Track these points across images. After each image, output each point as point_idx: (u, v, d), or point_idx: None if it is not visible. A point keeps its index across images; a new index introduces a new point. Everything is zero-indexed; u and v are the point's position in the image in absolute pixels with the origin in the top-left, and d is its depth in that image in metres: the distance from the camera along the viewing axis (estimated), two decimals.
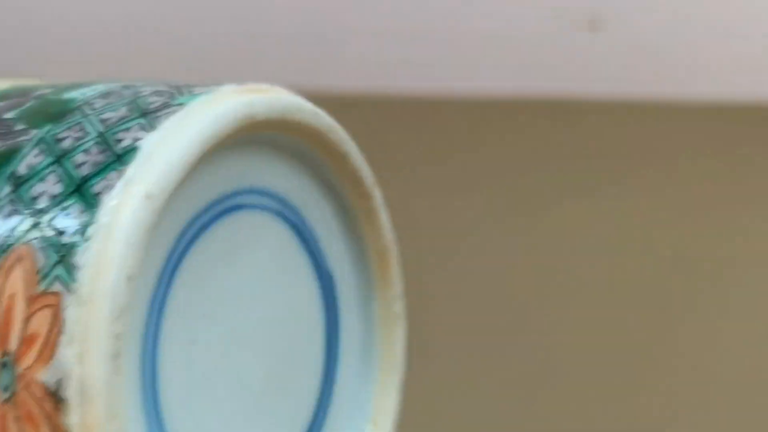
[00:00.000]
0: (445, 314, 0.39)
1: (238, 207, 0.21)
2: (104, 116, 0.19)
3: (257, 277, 0.21)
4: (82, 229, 0.18)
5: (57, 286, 0.17)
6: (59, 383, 0.17)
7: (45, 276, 0.17)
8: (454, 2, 0.46)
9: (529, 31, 0.46)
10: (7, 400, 0.17)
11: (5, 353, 0.17)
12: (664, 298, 0.38)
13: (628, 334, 0.39)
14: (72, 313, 0.17)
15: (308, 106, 0.21)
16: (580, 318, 0.40)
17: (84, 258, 0.17)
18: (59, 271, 0.17)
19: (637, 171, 0.42)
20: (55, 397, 0.17)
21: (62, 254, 0.17)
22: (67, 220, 0.18)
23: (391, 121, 0.44)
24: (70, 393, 0.17)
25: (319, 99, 0.22)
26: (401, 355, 0.24)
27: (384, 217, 0.23)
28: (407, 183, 0.41)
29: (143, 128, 0.19)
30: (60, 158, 0.19)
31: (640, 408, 0.37)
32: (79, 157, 0.19)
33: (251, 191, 0.21)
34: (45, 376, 0.17)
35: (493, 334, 0.40)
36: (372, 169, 0.23)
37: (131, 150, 0.18)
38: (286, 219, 0.22)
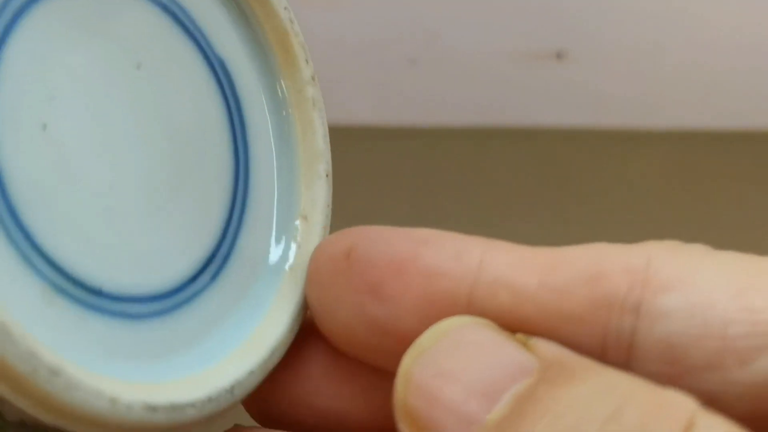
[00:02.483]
0: None
1: None
2: None
3: (120, 59, 0.20)
4: None
5: None
6: None
7: None
8: (424, 35, 0.48)
9: (498, 62, 0.48)
10: None
11: None
12: None
13: None
14: None
15: None
16: None
17: None
18: None
19: (604, 197, 0.43)
20: None
21: None
22: None
23: (362, 151, 0.45)
24: None
25: None
26: (323, 142, 0.22)
27: None
28: (377, 212, 0.41)
29: None
30: None
31: None
32: None
33: None
34: None
35: None
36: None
37: None
38: None
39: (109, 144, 0.19)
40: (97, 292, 0.19)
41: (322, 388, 0.20)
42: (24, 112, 0.18)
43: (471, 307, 0.17)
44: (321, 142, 0.22)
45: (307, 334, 0.21)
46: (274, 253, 0.21)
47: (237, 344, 0.20)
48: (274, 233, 0.21)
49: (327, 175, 0.22)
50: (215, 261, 0.21)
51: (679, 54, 0.49)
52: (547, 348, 0.16)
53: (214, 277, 0.20)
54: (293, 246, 0.21)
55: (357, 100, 0.49)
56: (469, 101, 0.48)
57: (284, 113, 0.22)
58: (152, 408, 0.18)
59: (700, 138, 0.47)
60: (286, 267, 0.21)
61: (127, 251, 0.19)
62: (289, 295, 0.21)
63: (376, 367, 0.19)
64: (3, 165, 0.17)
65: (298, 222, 0.22)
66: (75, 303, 0.18)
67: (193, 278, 0.20)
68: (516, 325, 0.17)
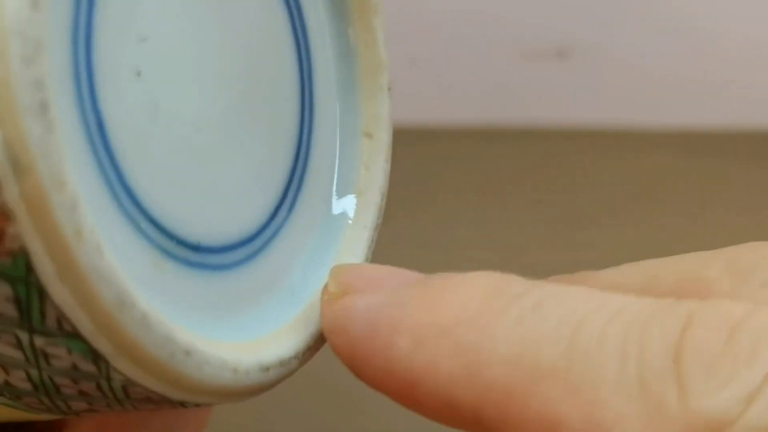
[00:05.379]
0: None
1: None
2: None
3: None
4: None
5: None
6: None
7: None
8: (425, 34, 0.48)
9: (498, 61, 0.47)
10: None
11: None
12: None
13: None
14: None
15: None
16: None
17: None
18: None
19: (604, 197, 0.42)
20: None
21: None
22: None
23: None
24: None
25: None
26: (384, 51, 0.20)
27: None
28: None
29: None
30: None
31: None
32: None
33: None
34: None
35: None
36: None
37: None
38: None
39: (195, 81, 0.17)
40: (196, 248, 0.17)
41: None
42: (119, 59, 0.16)
43: None
44: (383, 52, 0.20)
45: None
46: (341, 178, 0.20)
47: (321, 279, 0.19)
48: (338, 154, 0.20)
49: (389, 89, 0.21)
50: (291, 189, 0.19)
51: (681, 52, 0.48)
52: None
53: (292, 207, 0.19)
54: (360, 168, 0.20)
55: None
56: (469, 100, 0.47)
57: (346, 22, 0.20)
58: (265, 368, 0.17)
59: (702, 137, 0.46)
60: (355, 191, 0.20)
61: (216, 196, 0.18)
62: (363, 218, 0.20)
63: None
64: (106, 122, 0.15)
65: (362, 141, 0.20)
66: (180, 264, 0.17)
67: (275, 212, 0.19)
68: None
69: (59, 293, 0.14)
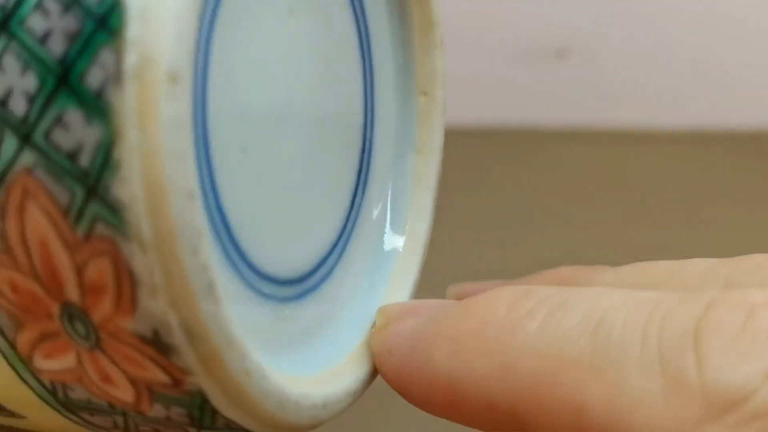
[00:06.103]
0: None
1: None
2: None
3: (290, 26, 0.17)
4: (103, 151, 0.13)
5: (102, 230, 0.13)
6: (155, 332, 0.14)
7: (78, 217, 0.13)
8: None
9: (497, 61, 0.47)
10: (93, 347, 0.14)
11: (66, 304, 0.14)
12: None
13: None
14: (140, 262, 0.13)
15: None
16: None
17: (123, 188, 0.13)
18: (95, 208, 0.13)
19: (605, 198, 0.41)
20: (156, 344, 0.14)
21: (89, 185, 0.13)
22: (70, 136, 0.13)
23: None
24: (175, 339, 0.14)
25: None
26: (437, 8, 0.20)
27: None
28: None
29: None
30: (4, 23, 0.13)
31: None
32: (35, 21, 0.13)
33: None
34: (133, 325, 0.14)
35: None
36: None
37: (114, 4, 0.13)
38: None
39: (286, 129, 0.17)
40: (300, 279, 0.18)
41: None
42: (226, 139, 0.16)
43: None
44: (436, 9, 0.20)
45: None
46: (403, 142, 0.21)
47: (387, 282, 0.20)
48: (394, 115, 0.21)
49: (441, 43, 0.21)
50: (359, 189, 0.20)
51: (681, 52, 0.47)
52: None
53: (365, 182, 0.20)
54: (418, 128, 0.21)
55: None
56: (468, 100, 0.45)
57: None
58: (353, 393, 0.18)
59: (702, 137, 0.45)
60: (415, 151, 0.21)
61: (305, 227, 0.18)
62: (424, 179, 0.21)
63: None
64: (223, 204, 0.16)
65: (419, 99, 0.21)
66: (293, 302, 0.18)
67: (351, 204, 0.20)
68: None
69: (231, 413, 0.15)
